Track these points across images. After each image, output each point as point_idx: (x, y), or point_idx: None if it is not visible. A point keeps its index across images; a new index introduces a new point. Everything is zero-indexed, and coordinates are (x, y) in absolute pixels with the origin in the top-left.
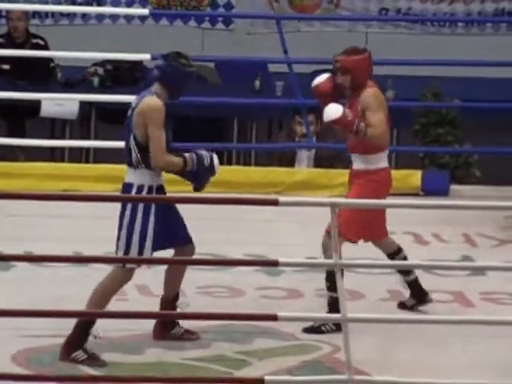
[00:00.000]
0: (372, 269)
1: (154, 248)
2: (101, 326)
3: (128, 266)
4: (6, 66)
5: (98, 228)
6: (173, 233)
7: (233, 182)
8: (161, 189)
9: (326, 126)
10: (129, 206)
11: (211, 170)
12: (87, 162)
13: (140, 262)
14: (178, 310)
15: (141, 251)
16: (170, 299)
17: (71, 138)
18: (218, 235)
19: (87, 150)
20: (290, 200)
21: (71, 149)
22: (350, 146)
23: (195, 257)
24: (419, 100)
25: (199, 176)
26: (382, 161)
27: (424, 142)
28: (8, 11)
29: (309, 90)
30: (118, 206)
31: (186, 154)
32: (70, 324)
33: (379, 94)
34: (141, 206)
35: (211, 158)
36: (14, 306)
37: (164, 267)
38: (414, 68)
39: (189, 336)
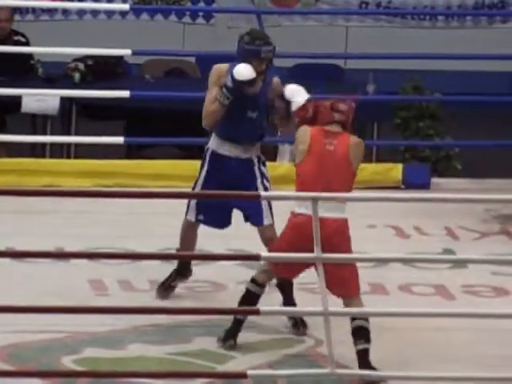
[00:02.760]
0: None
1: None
2: (83, 322)
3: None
4: None
5: (79, 223)
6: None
7: None
8: (221, 156)
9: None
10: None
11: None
12: (68, 157)
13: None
14: None
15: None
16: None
17: (52, 133)
18: (200, 230)
19: (68, 145)
20: (271, 194)
21: (52, 144)
22: None
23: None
24: (400, 93)
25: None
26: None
27: (405, 135)
28: None
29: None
30: (98, 201)
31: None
32: (52, 320)
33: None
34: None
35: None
36: None
37: (146, 263)
38: (394, 61)
39: None
